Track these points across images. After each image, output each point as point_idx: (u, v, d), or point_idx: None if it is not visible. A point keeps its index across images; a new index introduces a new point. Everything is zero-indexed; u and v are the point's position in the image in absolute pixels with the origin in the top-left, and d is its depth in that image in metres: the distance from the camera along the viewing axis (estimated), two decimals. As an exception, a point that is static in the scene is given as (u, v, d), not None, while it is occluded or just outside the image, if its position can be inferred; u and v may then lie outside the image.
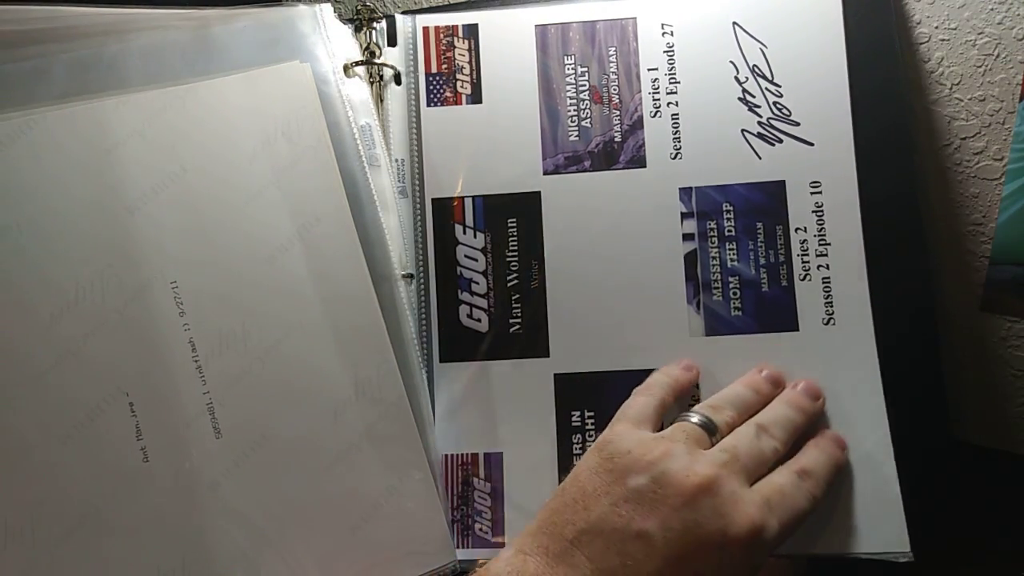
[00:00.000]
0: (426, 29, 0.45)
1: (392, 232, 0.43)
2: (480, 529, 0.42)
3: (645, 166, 0.43)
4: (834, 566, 0.40)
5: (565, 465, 0.41)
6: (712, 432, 0.37)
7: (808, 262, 0.42)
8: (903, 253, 0.41)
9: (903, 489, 0.39)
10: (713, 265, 0.42)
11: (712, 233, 0.42)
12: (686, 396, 0.41)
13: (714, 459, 0.35)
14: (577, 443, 0.42)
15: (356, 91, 0.44)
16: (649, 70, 0.44)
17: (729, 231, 0.42)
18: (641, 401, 0.39)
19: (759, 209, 0.42)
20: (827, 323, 0.41)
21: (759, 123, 0.43)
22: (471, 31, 0.45)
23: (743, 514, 0.33)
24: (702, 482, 0.33)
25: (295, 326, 0.41)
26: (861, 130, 0.42)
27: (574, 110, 0.44)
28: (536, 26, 0.45)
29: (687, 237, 0.42)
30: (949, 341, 0.44)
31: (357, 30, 0.45)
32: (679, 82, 0.43)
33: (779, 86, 0.43)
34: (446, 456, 0.42)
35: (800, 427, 0.38)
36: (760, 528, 0.33)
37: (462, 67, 0.45)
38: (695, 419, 0.37)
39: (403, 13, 0.46)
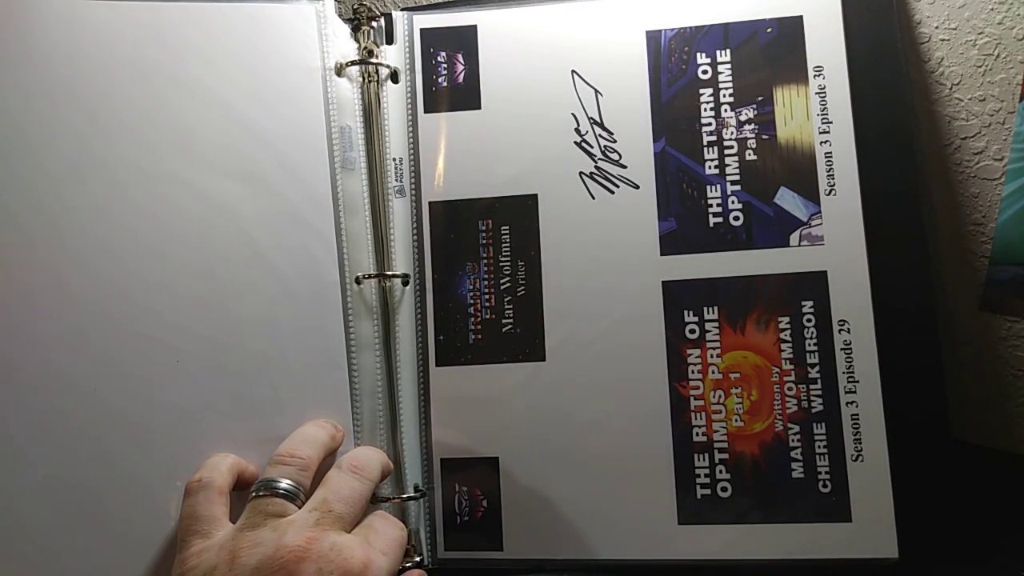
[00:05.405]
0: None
1: (354, 236, 0.42)
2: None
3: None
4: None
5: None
6: (294, 497, 0.36)
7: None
8: (904, 253, 0.41)
9: (903, 489, 0.39)
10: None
11: None
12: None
13: (304, 523, 0.34)
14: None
15: (343, 91, 0.43)
16: None
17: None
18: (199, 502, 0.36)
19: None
20: None
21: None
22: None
23: (352, 557, 0.33)
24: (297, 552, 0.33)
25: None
26: (863, 130, 0.41)
27: None
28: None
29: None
30: (949, 341, 0.44)
31: (355, 30, 0.44)
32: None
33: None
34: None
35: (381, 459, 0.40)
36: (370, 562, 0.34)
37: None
38: (275, 489, 0.36)
39: (402, 10, 0.45)
